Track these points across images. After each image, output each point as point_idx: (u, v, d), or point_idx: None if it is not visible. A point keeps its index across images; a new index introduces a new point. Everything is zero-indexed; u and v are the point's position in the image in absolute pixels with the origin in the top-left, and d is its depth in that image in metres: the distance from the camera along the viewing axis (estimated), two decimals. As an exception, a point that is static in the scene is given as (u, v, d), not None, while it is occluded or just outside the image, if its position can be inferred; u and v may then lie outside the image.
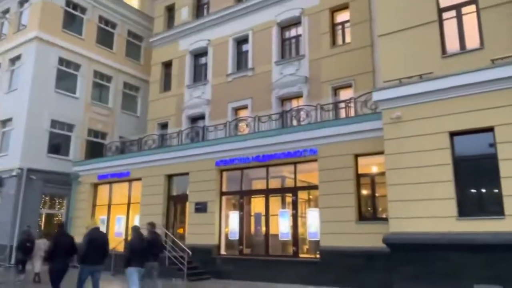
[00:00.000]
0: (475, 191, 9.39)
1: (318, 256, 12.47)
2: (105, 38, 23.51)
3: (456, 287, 8.88)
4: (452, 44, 10.08)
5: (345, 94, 16.01)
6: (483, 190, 9.30)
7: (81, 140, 21.50)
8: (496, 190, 8.95)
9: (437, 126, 9.71)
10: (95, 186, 19.29)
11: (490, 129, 9.13)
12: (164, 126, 21.46)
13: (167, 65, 22.30)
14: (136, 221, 17.37)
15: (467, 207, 9.24)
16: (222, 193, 15.24)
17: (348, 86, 16.02)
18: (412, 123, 10.07)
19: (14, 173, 18.78)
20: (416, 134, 9.96)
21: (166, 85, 22.15)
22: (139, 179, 17.43)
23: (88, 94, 22.16)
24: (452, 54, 9.97)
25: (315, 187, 13.10)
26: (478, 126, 9.29)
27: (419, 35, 10.34)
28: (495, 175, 8.90)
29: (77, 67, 21.88)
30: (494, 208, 8.88)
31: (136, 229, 9.34)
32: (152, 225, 10.36)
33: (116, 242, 16.01)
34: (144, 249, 8.84)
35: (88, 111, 22.00)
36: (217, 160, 15.10)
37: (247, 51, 19.42)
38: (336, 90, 16.43)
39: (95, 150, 21.48)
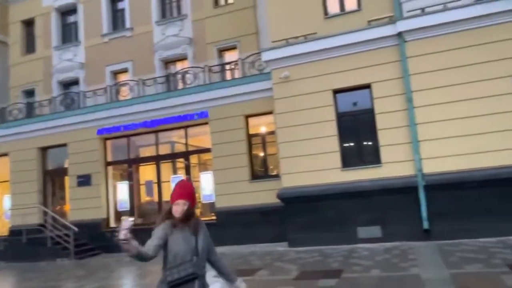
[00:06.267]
0: (356, 143, 10.27)
1: (214, 217, 12.58)
2: None
3: (343, 231, 9.80)
4: (333, 6, 10.62)
5: (230, 56, 15.93)
6: (363, 142, 10.22)
7: None
8: (373, 142, 9.94)
9: (322, 84, 10.29)
10: None
11: (368, 86, 9.97)
12: (30, 93, 18.97)
13: (29, 23, 19.49)
14: (5, 201, 15.49)
15: (350, 158, 10.14)
16: (107, 163, 14.25)
17: (233, 47, 15.93)
18: (300, 82, 10.50)
19: None
20: (303, 93, 10.44)
21: (30, 46, 19.45)
22: (5, 154, 15.34)
23: None
24: (333, 15, 10.52)
25: (207, 150, 13.00)
26: (357, 84, 10.07)
27: (304, -4, 10.64)
28: (373, 128, 9.85)
29: None
30: (372, 158, 9.88)
31: None
32: None
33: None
34: None
35: None
36: (99, 128, 13.99)
37: (123, 9, 17.93)
38: (221, 52, 16.24)
39: None
